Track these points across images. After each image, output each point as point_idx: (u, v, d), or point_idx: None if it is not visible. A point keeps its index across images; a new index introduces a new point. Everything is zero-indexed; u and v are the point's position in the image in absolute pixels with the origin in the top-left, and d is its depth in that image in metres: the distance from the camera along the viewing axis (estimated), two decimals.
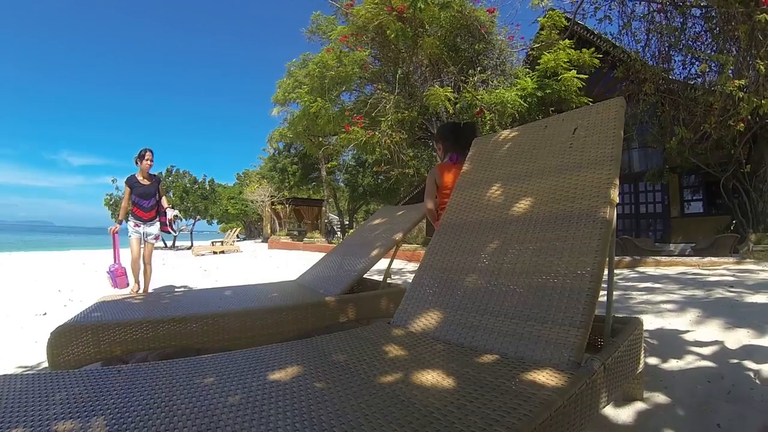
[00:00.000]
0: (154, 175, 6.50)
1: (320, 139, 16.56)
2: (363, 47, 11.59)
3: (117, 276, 5.92)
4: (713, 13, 9.10)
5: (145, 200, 6.33)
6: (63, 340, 2.53)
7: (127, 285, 6.07)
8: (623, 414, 2.07)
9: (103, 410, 1.30)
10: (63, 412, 1.28)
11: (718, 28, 9.19)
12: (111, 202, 31.54)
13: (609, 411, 2.07)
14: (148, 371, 1.67)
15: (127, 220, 6.31)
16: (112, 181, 32.67)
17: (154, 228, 6.49)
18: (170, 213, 6.56)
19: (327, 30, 13.01)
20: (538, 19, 11.19)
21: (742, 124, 8.86)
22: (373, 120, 11.36)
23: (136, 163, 6.32)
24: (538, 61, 10.65)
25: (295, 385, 1.47)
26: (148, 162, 6.29)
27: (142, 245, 6.38)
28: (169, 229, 6.65)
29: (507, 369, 1.53)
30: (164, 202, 6.60)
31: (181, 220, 6.63)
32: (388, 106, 11.09)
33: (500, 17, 11.57)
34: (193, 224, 35.08)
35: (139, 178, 6.29)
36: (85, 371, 1.67)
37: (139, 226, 6.30)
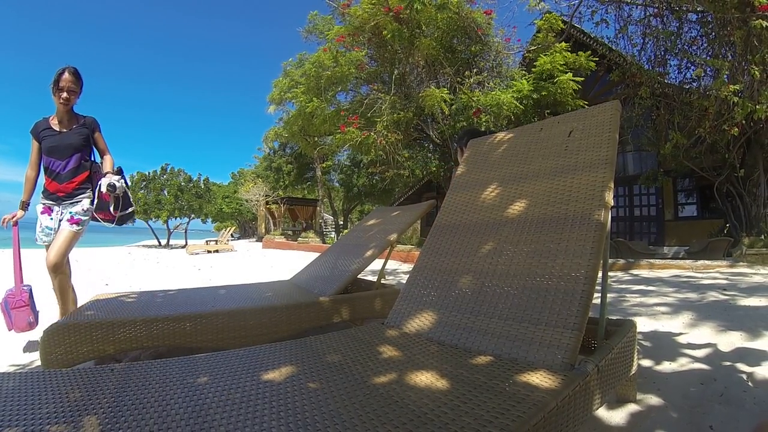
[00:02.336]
0: (81, 117, 3.72)
1: (315, 138, 16.54)
2: (359, 47, 11.61)
3: (13, 309, 3.41)
4: (709, 18, 9.14)
5: (59, 160, 3.56)
6: (55, 338, 2.52)
7: (30, 324, 3.48)
8: (617, 416, 2.07)
9: (96, 409, 1.29)
10: (55, 412, 1.28)
11: (713, 33, 9.24)
12: None
13: (602, 413, 2.08)
14: (141, 370, 1.66)
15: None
16: None
17: (78, 207, 3.59)
18: (105, 181, 3.53)
19: (324, 30, 13.01)
20: (535, 21, 11.26)
21: (736, 129, 8.92)
22: (369, 120, 11.37)
23: (54, 94, 3.55)
24: (535, 63, 10.71)
25: (288, 385, 1.47)
26: (64, 95, 3.50)
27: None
28: (111, 212, 3.70)
29: (501, 370, 1.53)
30: (107, 163, 3.74)
31: (123, 191, 3.69)
32: (383, 107, 11.11)
33: (497, 19, 11.65)
34: (188, 223, 35.03)
35: (53, 123, 3.60)
36: (77, 370, 1.67)
37: (50, 212, 3.59)
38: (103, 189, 3.53)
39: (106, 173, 3.62)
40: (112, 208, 3.68)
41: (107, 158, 3.79)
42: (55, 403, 1.34)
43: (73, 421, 1.22)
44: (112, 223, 3.81)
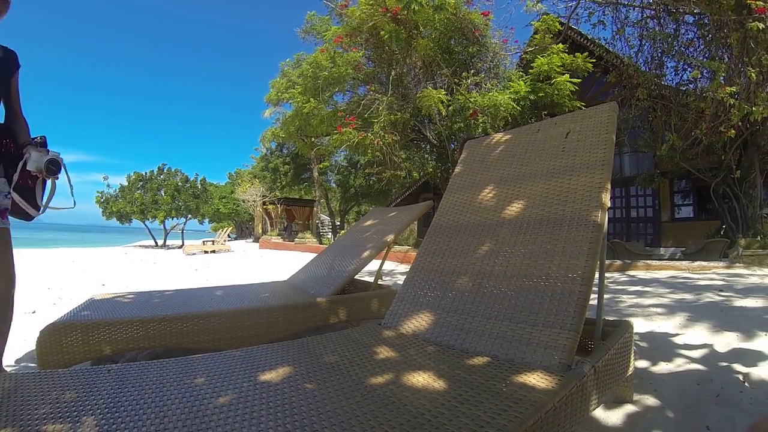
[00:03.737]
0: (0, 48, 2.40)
1: (313, 139, 16.54)
2: (357, 48, 11.62)
3: None
4: (706, 20, 9.17)
5: None
6: (52, 338, 2.51)
7: None
8: (613, 416, 2.08)
9: (93, 410, 1.29)
10: (52, 412, 1.27)
11: (710, 35, 9.26)
12: (102, 200, 31.44)
13: (599, 413, 2.08)
14: (137, 371, 1.66)
15: None
16: (104, 178, 32.60)
17: None
18: (38, 157, 2.27)
19: (321, 30, 13.01)
20: (532, 22, 11.28)
21: (732, 131, 8.93)
22: (366, 121, 11.38)
23: None
24: (532, 64, 10.75)
25: (285, 385, 1.47)
26: None
27: None
28: (37, 201, 2.48)
29: (498, 371, 1.53)
30: (23, 126, 2.45)
31: (59, 173, 2.35)
32: (381, 108, 11.12)
33: (494, 20, 11.69)
34: (185, 223, 34.99)
35: None
36: (74, 371, 1.66)
37: None
38: (31, 167, 2.28)
39: (25, 143, 2.36)
40: (41, 198, 2.47)
41: (22, 119, 2.45)
42: (51, 404, 1.33)
43: (69, 422, 1.22)
44: (30, 219, 2.53)
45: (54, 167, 2.33)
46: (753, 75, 7.69)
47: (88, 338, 2.59)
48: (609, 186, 2.00)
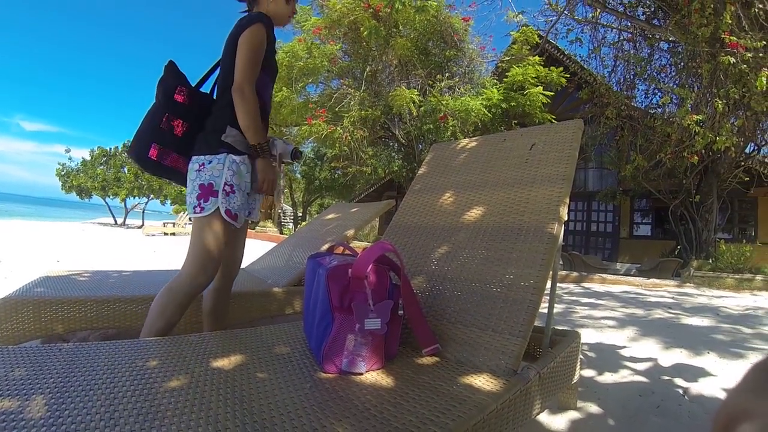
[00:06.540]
0: None
1: (282, 128, 16.42)
2: (334, 41, 11.59)
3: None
4: (680, 49, 9.45)
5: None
6: (2, 314, 2.46)
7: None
8: (557, 421, 2.14)
9: (42, 389, 1.28)
10: (0, 389, 1.26)
11: (682, 63, 9.56)
12: (63, 173, 30.65)
13: (543, 418, 2.14)
14: (89, 351, 1.65)
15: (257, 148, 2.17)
16: (66, 150, 31.81)
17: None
18: (279, 143, 2.33)
19: (300, 20, 12.93)
20: (511, 32, 11.45)
21: (695, 157, 9.22)
22: (336, 115, 11.38)
23: None
24: (507, 73, 10.89)
25: (237, 373, 1.48)
26: None
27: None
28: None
29: (445, 372, 1.57)
30: None
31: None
32: (352, 103, 11.13)
33: (474, 27, 11.81)
34: (146, 203, 34.36)
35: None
36: (23, 348, 1.64)
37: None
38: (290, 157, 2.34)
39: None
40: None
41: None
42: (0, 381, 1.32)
43: (18, 400, 1.21)
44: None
45: (297, 156, 2.37)
46: (720, 106, 7.96)
47: (40, 315, 2.55)
48: (567, 200, 2.05)
